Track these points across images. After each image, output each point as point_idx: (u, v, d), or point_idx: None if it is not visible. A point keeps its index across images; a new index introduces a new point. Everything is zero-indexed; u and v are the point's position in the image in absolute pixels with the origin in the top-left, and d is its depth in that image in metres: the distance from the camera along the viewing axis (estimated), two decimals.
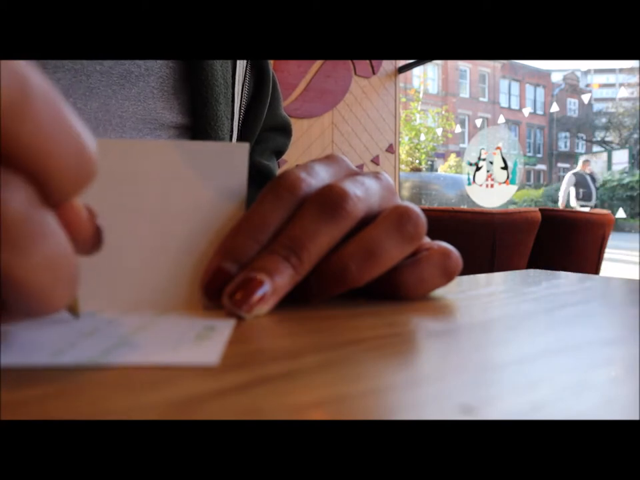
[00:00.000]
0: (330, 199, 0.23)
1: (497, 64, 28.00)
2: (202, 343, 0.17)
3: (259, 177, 0.52)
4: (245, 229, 0.23)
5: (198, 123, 0.44)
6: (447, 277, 0.26)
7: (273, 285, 0.21)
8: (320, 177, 0.25)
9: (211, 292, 0.22)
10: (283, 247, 0.22)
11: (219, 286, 0.22)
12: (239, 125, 0.50)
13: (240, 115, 0.50)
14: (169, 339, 0.18)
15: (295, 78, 3.55)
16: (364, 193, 0.24)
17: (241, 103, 0.50)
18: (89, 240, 0.17)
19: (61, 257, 0.14)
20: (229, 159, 0.24)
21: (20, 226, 0.13)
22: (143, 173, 0.23)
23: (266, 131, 0.56)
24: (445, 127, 17.99)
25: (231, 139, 0.48)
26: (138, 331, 0.18)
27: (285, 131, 0.59)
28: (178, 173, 0.24)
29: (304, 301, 0.24)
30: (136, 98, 0.40)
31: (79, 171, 0.14)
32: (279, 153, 0.58)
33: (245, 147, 0.24)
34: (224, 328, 0.19)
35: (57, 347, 0.16)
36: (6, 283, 0.13)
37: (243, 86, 0.50)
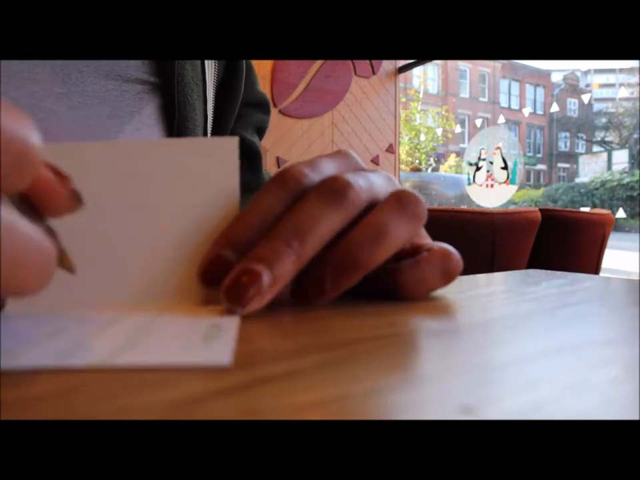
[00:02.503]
0: (333, 188, 0.23)
1: (497, 64, 27.99)
2: (211, 343, 0.17)
3: (244, 152, 0.51)
4: (246, 218, 0.23)
5: (166, 84, 0.42)
6: (447, 278, 0.26)
7: (272, 275, 0.21)
8: (323, 171, 0.25)
9: (208, 279, 0.22)
10: (285, 230, 0.22)
11: (216, 273, 0.22)
12: (213, 96, 0.50)
13: (213, 85, 0.49)
14: (176, 339, 0.18)
15: (295, 78, 3.55)
16: (367, 184, 0.24)
17: (212, 72, 0.49)
18: (67, 203, 0.18)
19: (20, 249, 0.15)
20: (219, 154, 0.24)
21: None
22: (134, 172, 0.23)
23: (244, 107, 0.55)
24: (444, 127, 17.99)
25: (205, 107, 0.47)
26: (142, 332, 0.18)
27: (263, 107, 0.59)
28: (169, 170, 0.24)
29: (317, 299, 0.23)
30: None
31: (17, 170, 0.14)
32: (260, 129, 0.58)
33: (235, 140, 0.24)
34: (230, 326, 0.19)
35: (62, 348, 0.16)
36: None
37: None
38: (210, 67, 0.48)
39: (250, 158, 0.54)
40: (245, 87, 0.54)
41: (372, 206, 0.24)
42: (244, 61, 0.53)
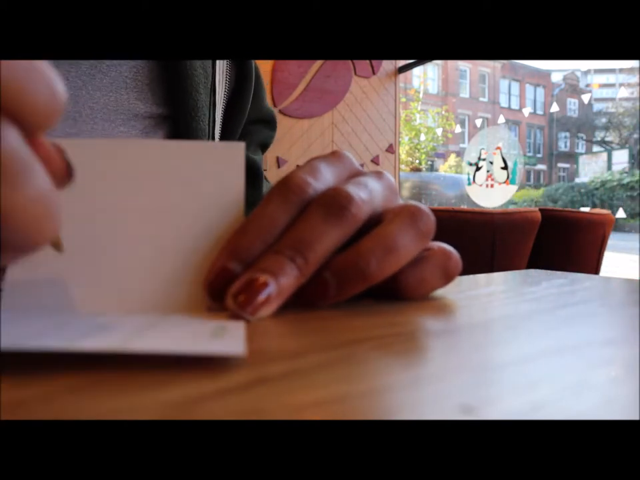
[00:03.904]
0: (336, 202, 0.23)
1: (497, 64, 27.98)
2: (221, 339, 0.17)
3: (245, 170, 0.52)
4: (251, 230, 0.23)
5: (177, 113, 0.43)
6: (447, 278, 0.26)
7: (277, 286, 0.21)
8: (325, 179, 0.25)
9: (214, 291, 0.22)
10: (288, 247, 0.22)
11: (222, 285, 0.22)
12: (221, 117, 0.50)
13: (222, 105, 0.50)
14: (185, 335, 0.18)
15: (295, 78, 3.55)
16: (368, 195, 0.24)
17: (222, 93, 0.49)
18: (61, 174, 0.18)
19: (47, 191, 0.15)
20: (225, 158, 0.24)
21: (13, 161, 0.14)
22: (140, 173, 0.23)
23: (250, 123, 0.55)
24: (444, 127, 17.98)
25: (212, 130, 0.47)
26: (150, 327, 0.18)
27: (270, 123, 0.58)
28: (175, 173, 0.23)
29: (320, 302, 0.23)
30: (107, 88, 0.39)
31: (50, 107, 0.15)
32: (264, 145, 0.58)
33: (241, 146, 0.24)
34: (236, 327, 0.19)
35: (72, 335, 0.16)
36: None
37: (223, 76, 0.49)
38: (220, 87, 0.48)
39: (249, 176, 0.54)
40: (252, 104, 0.54)
41: (372, 217, 0.25)
42: (252, 79, 0.53)
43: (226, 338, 0.17)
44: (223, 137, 0.51)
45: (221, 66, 0.49)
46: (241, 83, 0.52)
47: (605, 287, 0.32)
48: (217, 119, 0.48)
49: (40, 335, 0.16)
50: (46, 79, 0.15)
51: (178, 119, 0.43)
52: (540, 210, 2.29)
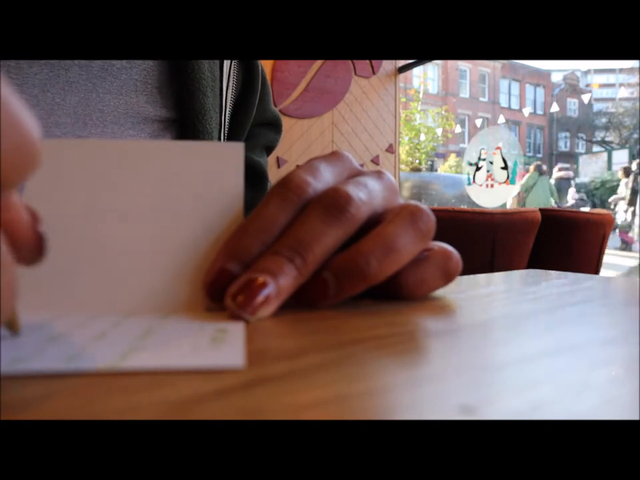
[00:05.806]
0: (335, 202, 0.23)
1: (497, 64, 27.96)
2: (220, 346, 0.17)
3: (250, 173, 0.52)
4: (250, 230, 0.23)
5: (185, 116, 0.43)
6: (447, 278, 0.26)
7: (276, 286, 0.21)
8: (324, 179, 0.25)
9: (213, 292, 0.22)
10: (287, 247, 0.22)
11: (222, 286, 0.22)
12: (228, 119, 0.50)
13: (229, 108, 0.50)
14: (184, 342, 0.17)
15: (295, 78, 3.54)
16: (367, 195, 0.24)
17: (229, 96, 0.49)
18: (29, 247, 0.15)
19: (4, 268, 0.13)
20: (224, 159, 0.24)
21: None
22: (139, 174, 0.23)
23: (256, 126, 0.55)
24: (444, 127, 17.96)
25: (220, 133, 0.48)
26: (147, 335, 0.18)
27: (275, 126, 0.58)
28: (174, 173, 0.23)
29: (319, 303, 0.23)
30: (117, 91, 0.39)
31: (17, 161, 0.12)
32: (269, 148, 0.58)
33: (240, 146, 0.24)
34: (236, 330, 0.19)
35: (69, 352, 0.16)
36: None
37: (230, 79, 0.49)
38: (227, 90, 0.48)
39: (254, 179, 0.54)
40: (258, 107, 0.54)
41: (372, 217, 0.25)
42: (259, 82, 0.53)
43: (225, 346, 0.17)
44: (229, 140, 0.51)
45: (228, 69, 0.49)
46: (248, 86, 0.52)
47: (604, 287, 0.32)
48: (223, 121, 0.48)
49: (37, 353, 0.16)
50: (16, 126, 0.12)
51: (185, 122, 0.43)
52: (540, 210, 2.29)
